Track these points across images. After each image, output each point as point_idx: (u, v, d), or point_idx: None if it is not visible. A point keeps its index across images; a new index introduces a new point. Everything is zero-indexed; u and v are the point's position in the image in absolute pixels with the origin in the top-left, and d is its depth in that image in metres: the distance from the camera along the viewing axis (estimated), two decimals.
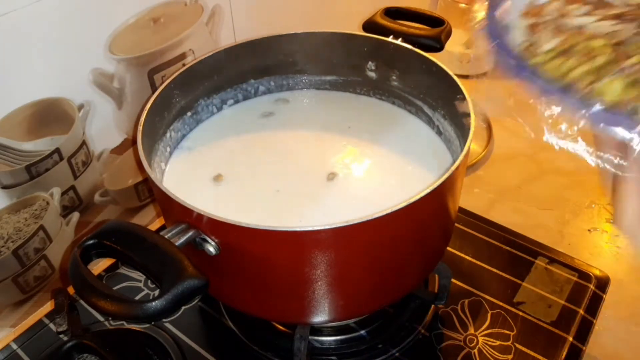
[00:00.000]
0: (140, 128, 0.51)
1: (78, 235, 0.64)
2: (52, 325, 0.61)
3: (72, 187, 0.61)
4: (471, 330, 0.59)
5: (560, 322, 0.60)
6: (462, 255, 0.68)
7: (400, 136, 0.63)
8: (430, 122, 0.63)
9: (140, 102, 0.64)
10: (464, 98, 0.52)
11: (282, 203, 0.55)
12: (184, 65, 0.60)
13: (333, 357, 0.58)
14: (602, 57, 0.35)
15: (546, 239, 0.69)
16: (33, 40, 0.51)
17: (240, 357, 0.58)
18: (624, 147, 0.34)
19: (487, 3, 0.39)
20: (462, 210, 0.73)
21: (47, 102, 0.55)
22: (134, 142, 0.66)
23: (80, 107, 0.58)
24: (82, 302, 0.48)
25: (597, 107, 0.33)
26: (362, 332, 0.60)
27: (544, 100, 0.35)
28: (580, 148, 0.37)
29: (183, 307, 0.62)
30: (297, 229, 0.41)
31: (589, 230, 0.73)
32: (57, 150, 0.58)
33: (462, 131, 0.55)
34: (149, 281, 0.65)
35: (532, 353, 0.57)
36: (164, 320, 0.61)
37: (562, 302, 0.62)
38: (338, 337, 0.59)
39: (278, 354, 0.58)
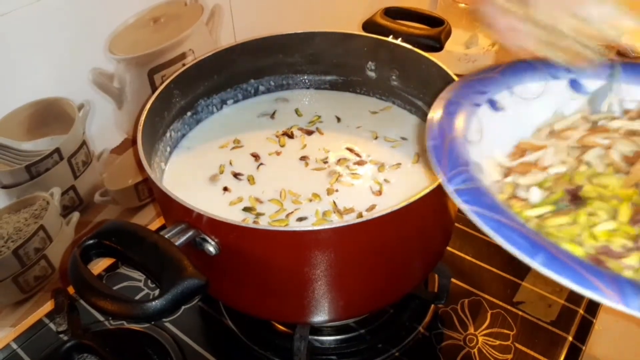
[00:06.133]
0: (140, 128, 0.51)
1: (78, 235, 0.64)
2: (52, 325, 0.61)
3: (72, 187, 0.61)
4: (471, 329, 0.59)
5: (560, 321, 0.60)
6: (462, 255, 0.68)
7: (400, 136, 0.63)
8: None
9: (140, 102, 0.64)
10: None
11: (282, 203, 0.55)
12: (184, 65, 0.60)
13: (333, 357, 0.58)
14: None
15: None
16: (33, 40, 0.51)
17: (240, 357, 0.58)
18: None
19: None
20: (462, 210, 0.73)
21: (47, 102, 0.55)
22: (134, 142, 0.66)
23: (80, 107, 0.58)
24: (82, 302, 0.48)
25: None
26: (362, 331, 0.60)
27: None
28: None
29: (183, 307, 0.62)
30: (297, 229, 0.42)
31: None
32: (57, 150, 0.58)
33: None
34: (149, 281, 0.65)
35: (532, 353, 0.57)
36: (164, 320, 0.61)
37: (562, 301, 0.62)
38: (338, 337, 0.59)
39: (278, 354, 0.58)
